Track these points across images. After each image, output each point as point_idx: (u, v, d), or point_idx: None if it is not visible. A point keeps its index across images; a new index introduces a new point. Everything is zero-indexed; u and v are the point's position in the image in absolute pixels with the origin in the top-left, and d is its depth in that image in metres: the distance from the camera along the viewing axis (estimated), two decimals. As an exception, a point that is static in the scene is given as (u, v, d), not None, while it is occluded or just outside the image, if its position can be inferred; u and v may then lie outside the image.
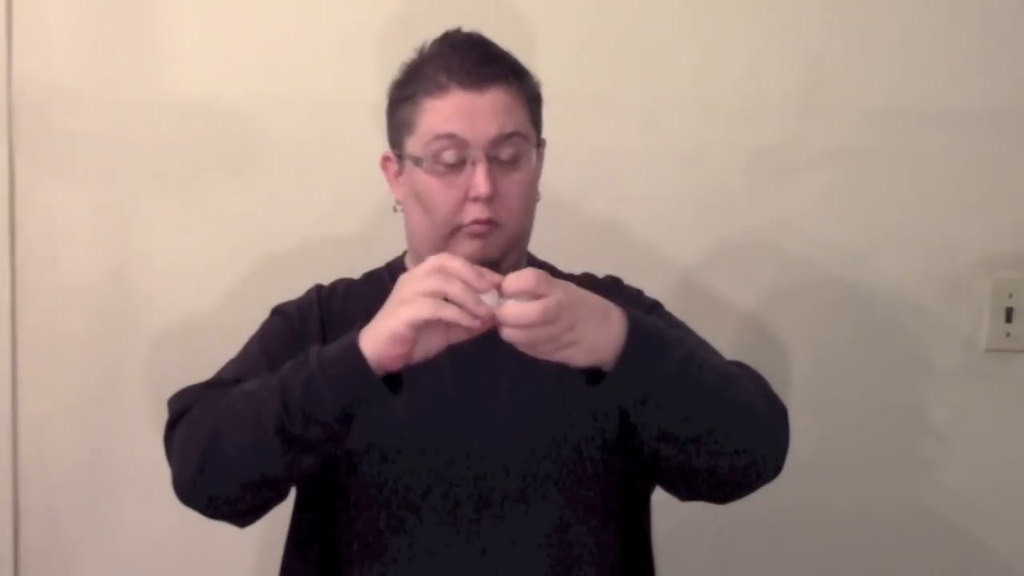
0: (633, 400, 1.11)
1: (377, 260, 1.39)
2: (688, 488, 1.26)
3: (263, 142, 1.71)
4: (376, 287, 1.33)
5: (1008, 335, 1.78)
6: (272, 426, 1.09)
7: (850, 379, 1.79)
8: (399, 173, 1.30)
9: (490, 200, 1.22)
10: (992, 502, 1.82)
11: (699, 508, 1.31)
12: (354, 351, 1.06)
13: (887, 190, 1.77)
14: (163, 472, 1.40)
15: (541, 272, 1.07)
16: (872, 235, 1.77)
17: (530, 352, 1.07)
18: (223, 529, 1.24)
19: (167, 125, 1.70)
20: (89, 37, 1.69)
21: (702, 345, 1.30)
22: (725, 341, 1.75)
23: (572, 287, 1.09)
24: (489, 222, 1.23)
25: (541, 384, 1.25)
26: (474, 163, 1.22)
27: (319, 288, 1.37)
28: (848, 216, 1.77)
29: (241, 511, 1.21)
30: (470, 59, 1.24)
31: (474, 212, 1.22)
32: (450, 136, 1.22)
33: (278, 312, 1.35)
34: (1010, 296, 1.78)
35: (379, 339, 1.06)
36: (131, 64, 1.70)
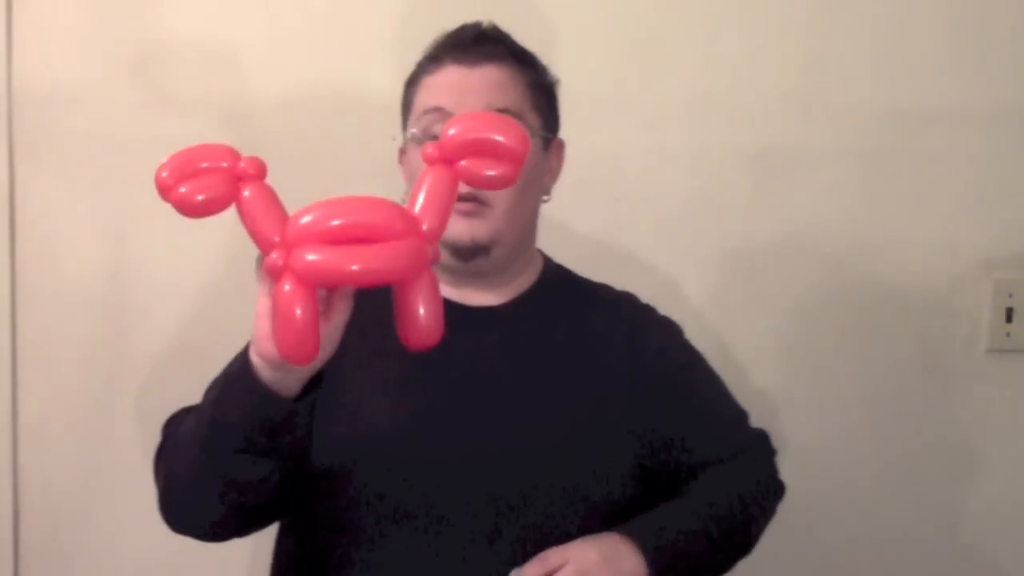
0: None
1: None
2: None
3: (263, 142, 1.70)
4: None
5: (1008, 335, 1.78)
6: (208, 455, 1.08)
7: (850, 379, 1.79)
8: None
9: None
10: (992, 502, 1.82)
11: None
12: (249, 375, 1.03)
13: (887, 190, 1.77)
14: (163, 472, 1.41)
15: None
16: (872, 235, 1.77)
17: None
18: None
19: (167, 125, 1.70)
20: (89, 37, 1.69)
21: (718, 398, 1.38)
22: (723, 341, 1.77)
23: (576, 551, 1.15)
24: (473, 199, 1.21)
25: (536, 397, 1.24)
26: None
27: None
28: (848, 216, 1.77)
29: (227, 530, 1.20)
30: (468, 36, 1.25)
31: None
32: (437, 109, 1.21)
33: None
34: (1010, 296, 1.78)
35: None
36: (131, 64, 1.70)
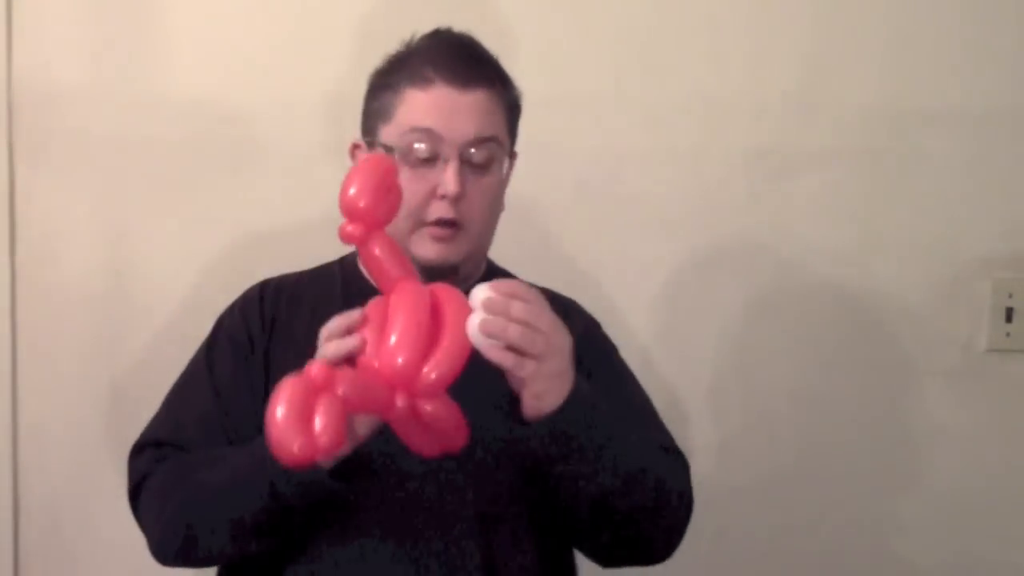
0: (549, 455, 1.13)
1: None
2: (574, 536, 1.27)
3: (263, 142, 1.71)
4: (324, 283, 1.33)
5: (1008, 335, 1.78)
6: (251, 526, 1.15)
7: (849, 379, 1.79)
8: None
9: (457, 200, 1.21)
10: (992, 502, 1.82)
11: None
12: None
13: (887, 190, 1.77)
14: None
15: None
16: (871, 235, 1.77)
17: (497, 354, 1.06)
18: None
19: (167, 125, 1.70)
20: (89, 37, 1.69)
21: (643, 408, 1.32)
22: (723, 342, 1.77)
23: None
24: (453, 223, 1.22)
25: (478, 393, 1.19)
26: (446, 161, 1.21)
27: (263, 287, 1.35)
28: (847, 216, 1.77)
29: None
30: (459, 56, 1.24)
31: (439, 210, 1.21)
32: (427, 131, 1.21)
33: (221, 329, 1.34)
34: (1010, 296, 1.78)
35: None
36: (131, 64, 1.70)
